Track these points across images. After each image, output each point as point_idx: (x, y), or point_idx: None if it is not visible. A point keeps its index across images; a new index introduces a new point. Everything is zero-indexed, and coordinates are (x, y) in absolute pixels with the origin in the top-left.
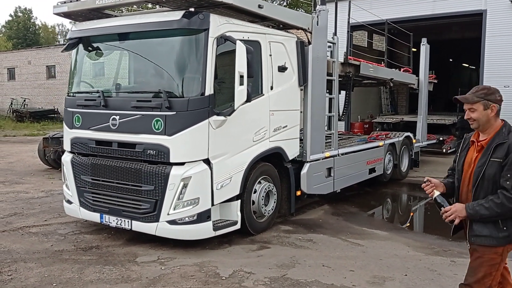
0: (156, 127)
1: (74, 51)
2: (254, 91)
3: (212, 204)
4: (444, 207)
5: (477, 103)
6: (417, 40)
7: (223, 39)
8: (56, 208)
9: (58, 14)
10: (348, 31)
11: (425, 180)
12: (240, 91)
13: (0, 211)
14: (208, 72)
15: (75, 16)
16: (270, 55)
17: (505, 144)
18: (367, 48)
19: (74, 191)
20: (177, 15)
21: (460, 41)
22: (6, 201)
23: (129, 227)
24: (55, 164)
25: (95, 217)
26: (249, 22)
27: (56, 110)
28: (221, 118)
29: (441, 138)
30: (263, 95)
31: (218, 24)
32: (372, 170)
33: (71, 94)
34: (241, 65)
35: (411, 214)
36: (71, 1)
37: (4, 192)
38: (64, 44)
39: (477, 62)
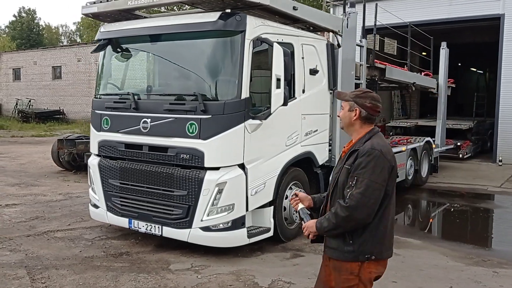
0: (190, 131)
1: (101, 52)
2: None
3: (246, 210)
4: (304, 221)
5: (346, 102)
6: (429, 44)
7: (259, 41)
8: (77, 211)
9: (86, 14)
10: (374, 34)
11: (292, 194)
12: (277, 95)
13: (21, 214)
14: (245, 74)
15: (103, 17)
16: (303, 58)
17: (356, 151)
18: (378, 52)
19: (101, 195)
20: (212, 16)
21: (470, 46)
22: (25, 204)
23: (160, 233)
24: (69, 166)
25: (123, 222)
26: (280, 23)
27: (61, 110)
28: (257, 122)
29: (458, 143)
30: (296, 98)
31: (254, 26)
32: None
33: (98, 96)
34: (278, 68)
35: (441, 221)
36: (100, 2)
37: (22, 195)
38: (70, 45)
39: (486, 66)
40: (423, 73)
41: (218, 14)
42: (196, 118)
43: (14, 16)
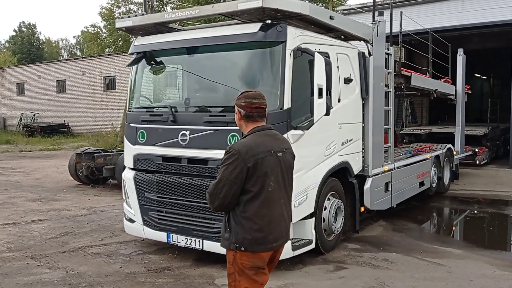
0: (232, 143)
1: (134, 65)
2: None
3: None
4: None
5: (235, 106)
6: (440, 51)
7: (300, 51)
8: (106, 226)
9: (120, 28)
10: (400, 42)
11: None
12: (320, 104)
13: (50, 230)
14: (286, 85)
15: (135, 30)
16: (338, 67)
17: None
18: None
19: (137, 209)
20: (252, 27)
21: (477, 52)
22: (51, 220)
23: (200, 247)
24: (87, 180)
25: (161, 236)
26: (314, 33)
27: (66, 124)
28: (299, 132)
29: (476, 150)
30: (332, 107)
31: (294, 36)
32: (421, 184)
33: (132, 109)
34: (320, 77)
35: (475, 229)
36: (136, 15)
37: (45, 210)
38: (74, 58)
39: (490, 72)
40: (442, 80)
41: (258, 25)
42: (238, 130)
43: (15, 30)
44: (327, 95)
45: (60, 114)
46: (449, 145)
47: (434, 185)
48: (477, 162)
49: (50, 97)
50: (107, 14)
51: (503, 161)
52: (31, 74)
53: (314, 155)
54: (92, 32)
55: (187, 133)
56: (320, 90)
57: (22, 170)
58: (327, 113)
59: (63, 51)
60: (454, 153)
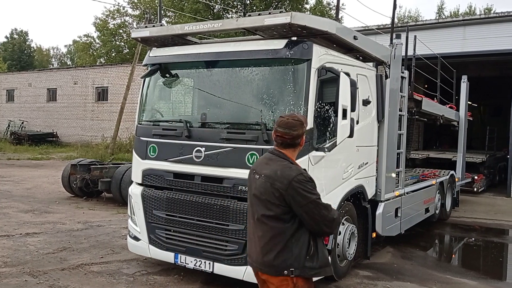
0: (251, 162)
1: (148, 77)
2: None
3: None
4: None
5: None
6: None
7: (324, 70)
8: (104, 242)
9: (135, 38)
10: (413, 65)
11: None
12: (344, 126)
13: (46, 244)
14: (310, 104)
15: (151, 41)
16: (357, 88)
17: None
18: None
19: (143, 227)
20: (277, 44)
21: (470, 80)
22: (47, 233)
23: (210, 270)
24: (81, 193)
25: (168, 256)
26: (336, 52)
27: (55, 133)
28: (321, 154)
29: (475, 177)
30: None
31: (320, 55)
32: (426, 210)
33: (143, 122)
34: (344, 98)
35: (485, 259)
36: (153, 26)
37: (39, 223)
38: (67, 67)
39: (481, 100)
40: (447, 106)
41: (283, 41)
42: (257, 149)
43: (6, 37)
44: (351, 116)
45: (49, 123)
46: (452, 172)
47: (437, 211)
48: (475, 189)
49: (40, 105)
50: (101, 25)
51: (499, 189)
52: (22, 81)
53: (333, 177)
54: (85, 42)
55: (202, 149)
56: (345, 111)
57: (12, 179)
58: (351, 135)
59: (53, 60)
60: (456, 179)
